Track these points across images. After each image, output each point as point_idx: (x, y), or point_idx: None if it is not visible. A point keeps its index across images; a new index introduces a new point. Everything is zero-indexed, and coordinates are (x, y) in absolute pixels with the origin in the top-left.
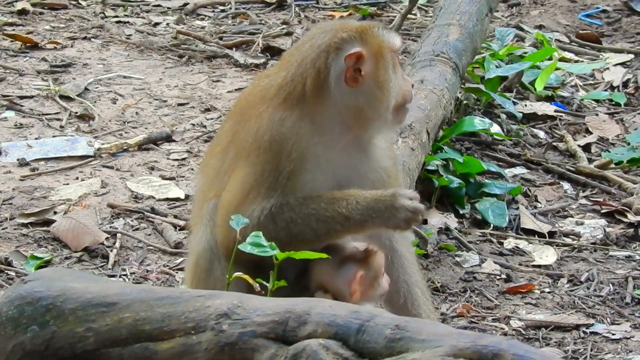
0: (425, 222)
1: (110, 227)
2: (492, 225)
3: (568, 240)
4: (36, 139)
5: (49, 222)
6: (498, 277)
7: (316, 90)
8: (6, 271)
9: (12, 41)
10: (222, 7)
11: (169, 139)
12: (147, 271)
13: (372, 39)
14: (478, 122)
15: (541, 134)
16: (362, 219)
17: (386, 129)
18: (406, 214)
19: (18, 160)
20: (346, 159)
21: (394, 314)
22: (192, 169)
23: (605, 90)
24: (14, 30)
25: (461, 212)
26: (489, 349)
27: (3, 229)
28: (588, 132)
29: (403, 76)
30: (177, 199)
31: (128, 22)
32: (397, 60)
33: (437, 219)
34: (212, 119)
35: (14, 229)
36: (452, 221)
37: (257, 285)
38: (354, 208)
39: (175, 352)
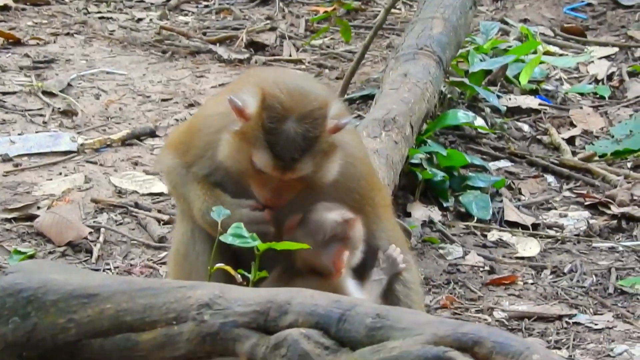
0: (409, 215)
1: (94, 221)
2: (475, 218)
3: (551, 232)
4: (19, 134)
5: (32, 217)
6: (481, 269)
7: None
8: None
9: None
10: (205, 3)
11: (152, 134)
12: (131, 265)
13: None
14: (462, 116)
15: (525, 127)
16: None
17: None
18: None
19: (1, 156)
20: None
21: None
22: None
23: (590, 83)
24: None
25: (445, 205)
26: (469, 336)
27: None
28: (572, 125)
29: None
30: (161, 194)
31: (111, 17)
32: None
33: (421, 212)
34: None
35: None
36: (435, 214)
37: (239, 276)
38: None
39: (157, 343)
